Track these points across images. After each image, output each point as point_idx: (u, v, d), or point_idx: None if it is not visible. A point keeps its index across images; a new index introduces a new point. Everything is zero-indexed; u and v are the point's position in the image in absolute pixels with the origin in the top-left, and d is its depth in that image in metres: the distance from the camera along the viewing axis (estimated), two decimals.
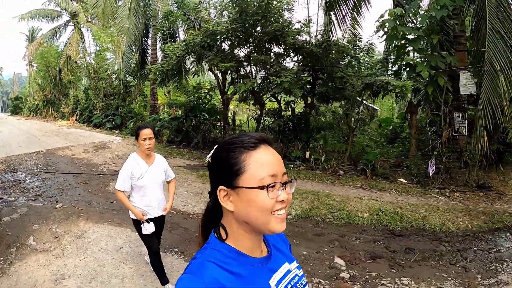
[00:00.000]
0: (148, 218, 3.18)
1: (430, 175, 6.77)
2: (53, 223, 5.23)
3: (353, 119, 8.04)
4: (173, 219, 5.46)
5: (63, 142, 12.22)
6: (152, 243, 3.24)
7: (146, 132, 3.14)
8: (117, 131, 14.85)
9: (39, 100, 23.56)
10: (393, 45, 6.94)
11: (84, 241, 4.58)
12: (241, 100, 10.62)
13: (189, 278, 0.80)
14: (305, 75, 8.60)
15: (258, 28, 7.28)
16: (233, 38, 7.54)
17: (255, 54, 7.56)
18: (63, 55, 18.15)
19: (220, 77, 10.43)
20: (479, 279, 3.75)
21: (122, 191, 3.17)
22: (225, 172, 0.86)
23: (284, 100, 9.33)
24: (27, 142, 12.45)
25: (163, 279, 3.31)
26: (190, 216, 5.72)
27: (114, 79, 16.66)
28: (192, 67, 11.89)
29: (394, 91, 6.32)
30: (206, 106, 11.53)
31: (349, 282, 3.57)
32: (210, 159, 0.91)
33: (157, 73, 9.33)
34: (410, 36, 6.33)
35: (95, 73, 17.46)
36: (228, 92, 9.77)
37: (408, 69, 6.63)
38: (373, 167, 7.56)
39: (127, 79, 15.61)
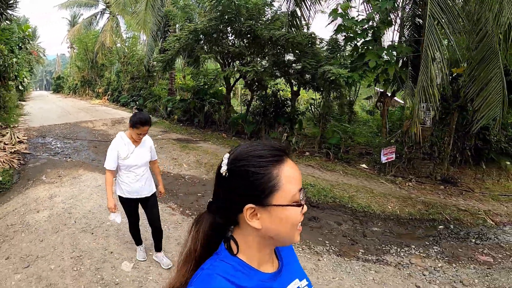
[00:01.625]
0: (136, 198, 3.48)
1: (382, 162, 7.48)
2: (61, 169, 7.47)
3: (321, 105, 9.50)
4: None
5: (89, 117, 14.87)
6: (132, 219, 3.67)
7: (145, 129, 3.30)
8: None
9: (78, 80, 27.07)
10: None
11: (77, 180, 6.74)
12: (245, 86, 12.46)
13: None
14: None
15: (236, 25, 8.95)
16: (212, 34, 9.32)
17: (232, 47, 9.33)
18: (98, 40, 21.01)
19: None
20: (361, 252, 4.37)
21: (110, 171, 3.39)
22: (256, 189, 0.82)
23: (271, 87, 11.00)
24: (60, 116, 15.27)
25: (138, 241, 3.86)
26: (167, 173, 7.60)
27: (139, 64, 19.14)
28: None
29: (341, 80, 7.44)
30: (210, 91, 13.44)
31: None
32: (227, 173, 0.85)
33: (160, 62, 11.39)
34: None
35: (125, 58, 20.14)
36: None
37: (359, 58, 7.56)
38: (337, 151, 8.98)
39: (150, 65, 17.97)
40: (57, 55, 42.26)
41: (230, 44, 9.85)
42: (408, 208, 5.97)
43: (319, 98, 10.60)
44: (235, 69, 9.01)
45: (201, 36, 9.35)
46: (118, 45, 20.98)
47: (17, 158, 8.09)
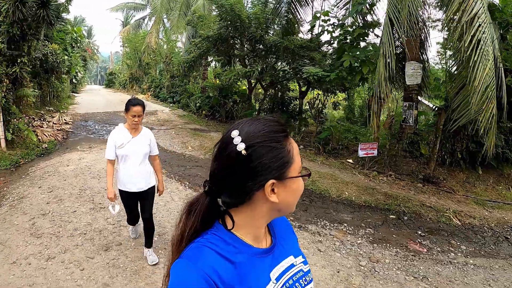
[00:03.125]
0: (130, 192, 3.58)
1: (359, 156, 8.19)
2: (92, 143, 9.82)
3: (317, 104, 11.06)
4: (164, 155, 9.55)
5: None
6: (130, 214, 3.89)
7: (136, 110, 3.40)
8: (172, 105, 19.90)
9: (127, 77, 30.60)
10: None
11: (102, 150, 8.95)
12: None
13: (184, 264, 0.84)
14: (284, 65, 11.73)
15: (240, 32, 10.81)
16: (222, 40, 11.26)
17: (236, 51, 11.23)
18: (145, 41, 24.01)
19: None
20: (290, 220, 6.06)
21: (110, 160, 3.56)
22: (278, 164, 0.86)
23: (281, 87, 12.73)
24: (104, 106, 18.20)
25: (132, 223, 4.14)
26: (172, 152, 9.63)
27: (178, 64, 21.72)
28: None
29: (311, 78, 8.67)
30: (234, 89, 15.42)
31: None
32: (246, 150, 0.85)
33: (185, 64, 13.60)
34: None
35: (167, 58, 22.91)
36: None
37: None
38: (328, 146, 10.44)
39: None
40: (111, 53, 47.32)
41: (237, 48, 11.79)
42: (365, 196, 6.70)
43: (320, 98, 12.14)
44: (238, 71, 10.86)
45: (216, 41, 11.35)
46: (164, 46, 23.83)
47: (61, 134, 10.62)
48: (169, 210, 5.43)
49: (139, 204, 3.80)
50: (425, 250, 4.96)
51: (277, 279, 0.94)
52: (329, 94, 11.35)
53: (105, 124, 13.27)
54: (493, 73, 5.46)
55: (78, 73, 24.39)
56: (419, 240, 5.23)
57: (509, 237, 5.86)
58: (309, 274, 1.04)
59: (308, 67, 8.76)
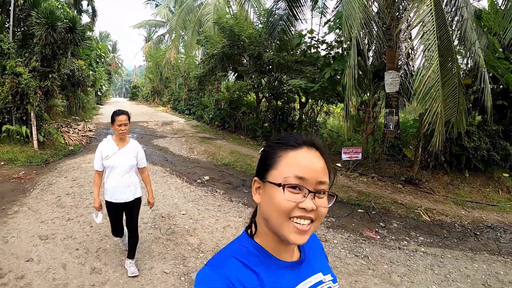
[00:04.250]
0: (116, 203, 3.72)
1: (343, 159, 9.04)
2: None
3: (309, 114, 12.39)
4: (171, 157, 11.08)
5: (147, 118, 19.49)
6: (113, 226, 3.99)
7: (121, 119, 3.57)
8: (188, 116, 21.67)
9: (149, 90, 32.89)
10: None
11: None
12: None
13: (209, 271, 0.88)
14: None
15: (240, 50, 12.37)
16: (226, 57, 12.84)
17: (240, 66, 12.79)
18: (165, 57, 26.14)
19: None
20: None
21: (97, 171, 3.72)
22: (261, 164, 0.96)
23: (286, 98, 14.12)
24: None
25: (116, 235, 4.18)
26: (179, 156, 11.15)
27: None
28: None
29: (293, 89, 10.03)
30: (243, 101, 16.92)
31: (205, 179, 8.55)
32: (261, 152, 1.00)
33: (195, 79, 15.29)
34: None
35: (185, 73, 24.85)
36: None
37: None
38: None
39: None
40: (134, 67, 50.49)
41: (240, 64, 13.36)
42: (339, 194, 7.35)
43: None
44: (239, 85, 12.39)
45: (222, 58, 12.97)
46: (183, 61, 25.86)
47: (85, 139, 12.39)
48: (165, 196, 6.89)
49: (124, 216, 3.93)
50: (379, 237, 5.51)
51: None
52: (323, 104, 12.66)
53: None
54: (437, 76, 6.35)
55: (103, 86, 26.70)
56: (377, 230, 5.81)
57: (478, 233, 6.51)
58: None
59: (293, 80, 10.11)
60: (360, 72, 7.77)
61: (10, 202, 6.15)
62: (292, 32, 10.70)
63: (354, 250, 5.01)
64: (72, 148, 10.71)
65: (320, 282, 1.01)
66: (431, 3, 6.35)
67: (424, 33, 6.25)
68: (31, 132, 9.74)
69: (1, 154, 9.13)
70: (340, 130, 12.86)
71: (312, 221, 0.88)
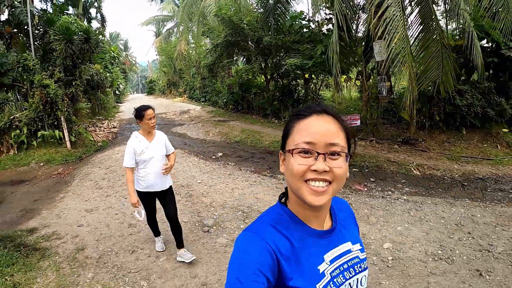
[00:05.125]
0: (151, 192, 3.98)
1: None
2: None
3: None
4: (189, 141, 12.40)
5: (165, 110, 20.97)
6: (149, 214, 4.26)
7: (150, 113, 3.84)
8: (203, 103, 23.02)
9: (165, 83, 34.41)
10: None
11: None
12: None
13: (250, 235, 0.98)
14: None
15: (243, 37, 13.44)
16: (231, 44, 13.96)
17: (244, 51, 13.89)
18: (176, 49, 27.36)
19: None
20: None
21: (129, 168, 3.92)
22: (282, 136, 1.05)
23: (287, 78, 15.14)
24: None
25: (156, 233, 4.50)
26: (196, 139, 12.45)
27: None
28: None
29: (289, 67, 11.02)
30: (253, 83, 17.99)
31: (219, 155, 9.82)
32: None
33: (204, 67, 16.47)
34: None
35: (197, 63, 26.07)
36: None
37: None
38: None
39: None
40: (148, 62, 52.16)
41: (243, 49, 14.46)
42: None
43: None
44: (244, 68, 13.50)
45: (227, 46, 14.12)
46: (194, 52, 27.07)
47: (111, 135, 13.87)
48: (184, 171, 8.22)
49: (162, 207, 4.19)
50: (366, 189, 6.07)
51: (331, 261, 1.02)
52: (324, 78, 13.64)
53: None
54: (404, 43, 7.17)
55: (120, 85, 28.33)
56: (366, 183, 6.41)
57: (466, 184, 7.17)
58: (364, 262, 1.11)
59: (290, 59, 11.13)
60: (345, 46, 8.67)
61: (56, 191, 7.60)
62: (286, 15, 11.62)
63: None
64: (100, 144, 12.20)
65: (349, 251, 1.08)
66: None
67: (388, 6, 7.09)
68: (63, 134, 11.24)
69: (40, 156, 10.67)
70: (343, 100, 13.77)
71: (330, 182, 0.94)
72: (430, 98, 10.46)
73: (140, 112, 3.86)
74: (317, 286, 0.97)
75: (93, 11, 21.23)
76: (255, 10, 13.27)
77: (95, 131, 13.68)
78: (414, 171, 7.66)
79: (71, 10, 18.91)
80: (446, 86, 8.68)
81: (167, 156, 4.17)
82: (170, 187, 4.14)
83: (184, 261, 4.06)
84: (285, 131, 1.03)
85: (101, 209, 6.11)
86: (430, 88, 9.50)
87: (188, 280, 3.74)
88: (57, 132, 11.15)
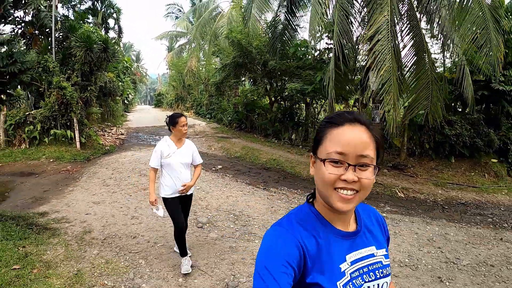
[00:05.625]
0: (174, 197, 4.07)
1: None
2: (142, 147, 13.65)
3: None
4: None
5: None
6: (177, 218, 4.08)
7: (183, 120, 4.05)
8: (209, 120, 23.81)
9: (173, 97, 35.40)
10: None
11: (149, 150, 12.65)
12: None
13: (281, 229, 1.04)
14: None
15: (250, 59, 14.36)
16: (238, 66, 14.88)
17: (249, 73, 14.80)
18: (187, 65, 28.44)
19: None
20: (247, 182, 9.79)
21: (153, 168, 4.08)
22: (314, 141, 1.09)
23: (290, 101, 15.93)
24: (152, 122, 22.53)
25: (183, 252, 4.21)
26: (199, 151, 13.11)
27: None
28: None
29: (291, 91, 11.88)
30: (258, 104, 18.81)
31: (219, 167, 10.46)
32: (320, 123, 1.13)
33: (212, 85, 17.36)
34: None
35: (205, 80, 27.05)
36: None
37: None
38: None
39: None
40: (158, 75, 53.57)
41: (250, 71, 15.35)
42: None
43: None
44: (249, 90, 14.33)
45: (235, 67, 15.03)
46: (202, 69, 28.11)
47: (118, 141, 14.60)
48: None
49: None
50: None
51: (352, 262, 1.05)
52: (324, 103, 14.41)
53: (152, 135, 17.26)
54: (390, 74, 7.74)
55: (129, 95, 29.29)
56: None
57: (447, 207, 7.85)
58: (387, 268, 1.13)
59: (292, 84, 11.95)
60: (342, 74, 9.43)
61: (65, 185, 8.23)
62: (292, 41, 12.46)
63: None
64: (108, 148, 12.90)
65: (371, 255, 1.10)
66: (388, 14, 8.01)
67: (378, 40, 7.86)
68: (74, 135, 11.95)
69: (50, 153, 11.34)
70: None
71: (357, 191, 0.99)
72: (420, 126, 11.27)
73: (174, 119, 4.05)
74: (338, 284, 1.01)
75: (111, 21, 22.32)
76: (264, 35, 14.12)
77: (104, 135, 14.41)
78: (398, 193, 8.26)
79: (90, 19, 19.95)
80: (435, 116, 9.29)
81: (194, 166, 4.32)
82: (191, 194, 4.33)
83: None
84: (317, 137, 1.07)
85: (107, 202, 6.74)
86: (421, 117, 10.21)
87: (180, 262, 4.34)
88: (69, 132, 11.86)
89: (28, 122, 11.77)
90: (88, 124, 12.83)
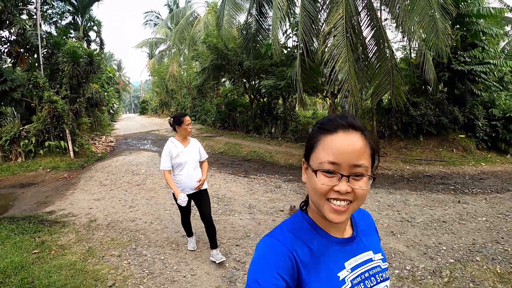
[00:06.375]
0: (188, 194, 4.25)
1: None
2: (132, 151, 14.56)
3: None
4: None
5: (157, 127, 22.74)
6: (183, 211, 4.58)
7: (188, 119, 4.33)
8: (194, 121, 24.76)
9: (157, 103, 36.23)
10: None
11: (138, 154, 13.59)
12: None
13: (273, 241, 1.01)
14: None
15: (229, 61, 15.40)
16: (217, 68, 15.90)
17: (227, 74, 15.84)
18: (168, 71, 29.26)
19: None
20: (231, 172, 10.96)
21: (167, 170, 4.25)
22: (306, 146, 1.05)
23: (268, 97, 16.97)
24: (138, 128, 23.48)
25: (189, 234, 4.88)
26: None
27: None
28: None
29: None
30: (238, 103, 19.81)
31: None
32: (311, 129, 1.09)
33: (195, 88, 18.33)
34: None
35: (188, 83, 27.96)
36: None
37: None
38: (297, 136, 14.45)
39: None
40: (141, 82, 54.19)
41: (228, 72, 16.39)
42: (291, 160, 11.30)
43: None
44: (228, 89, 15.33)
45: (213, 69, 16.03)
46: (185, 74, 28.99)
47: (109, 148, 15.47)
48: None
49: (197, 208, 4.54)
50: None
51: (352, 269, 1.04)
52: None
53: (140, 140, 18.16)
54: (346, 65, 8.71)
55: (114, 104, 30.04)
56: None
57: (412, 179, 8.77)
58: (386, 272, 1.12)
59: (265, 80, 12.97)
60: (309, 68, 10.51)
61: (65, 190, 9.13)
62: (263, 42, 13.47)
63: (297, 190, 8.05)
64: (100, 155, 13.77)
65: (370, 260, 1.09)
66: (343, 11, 9.07)
67: (334, 35, 8.92)
68: (67, 145, 12.80)
69: (46, 163, 12.18)
70: (315, 116, 15.62)
71: (350, 201, 0.95)
72: (388, 110, 12.32)
73: (179, 119, 4.31)
74: None
75: (92, 34, 23.15)
76: (239, 38, 15.14)
77: (95, 144, 15.28)
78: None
79: (73, 33, 20.71)
80: (398, 99, 10.24)
81: (201, 162, 4.53)
82: (206, 189, 4.49)
83: (215, 261, 4.38)
84: (309, 143, 1.03)
85: (107, 198, 7.70)
86: (386, 101, 11.18)
87: (172, 233, 5.34)
88: (62, 142, 12.71)
89: (23, 136, 12.57)
90: (80, 134, 13.68)
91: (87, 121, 14.83)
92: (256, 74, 15.02)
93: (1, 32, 13.14)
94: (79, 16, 21.21)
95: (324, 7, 11.23)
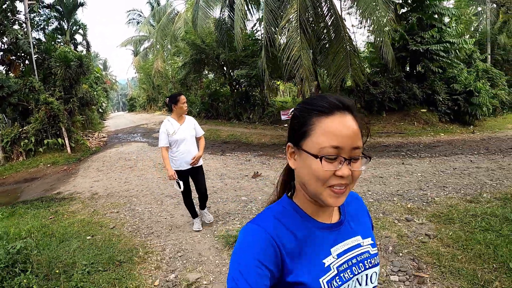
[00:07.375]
0: (183, 169, 4.54)
1: (282, 119, 14.16)
2: (123, 144, 16.06)
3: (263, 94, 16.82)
4: None
5: (146, 121, 24.20)
6: (186, 192, 4.77)
7: (183, 98, 4.55)
8: None
9: (145, 99, 37.59)
10: None
11: (129, 145, 15.10)
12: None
13: (255, 227, 0.97)
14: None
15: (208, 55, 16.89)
16: (197, 62, 17.39)
17: (209, 66, 17.40)
18: (154, 67, 30.58)
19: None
20: (221, 153, 12.65)
21: (164, 147, 4.47)
22: (294, 130, 0.98)
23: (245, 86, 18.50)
24: (128, 123, 24.92)
25: (193, 215, 5.09)
26: None
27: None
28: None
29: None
30: (221, 93, 21.30)
31: None
32: (291, 114, 1.03)
33: (178, 82, 19.81)
34: None
35: (173, 78, 29.35)
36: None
37: None
38: (273, 120, 16.02)
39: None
40: (128, 80, 55.43)
41: (207, 65, 17.91)
42: (273, 140, 12.98)
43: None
44: (208, 81, 16.87)
45: (194, 63, 17.55)
46: (169, 69, 30.34)
47: (102, 143, 16.95)
48: (157, 157, 11.40)
49: (194, 183, 4.79)
50: (283, 155, 10.03)
51: (339, 255, 1.00)
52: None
53: (131, 134, 19.67)
54: (299, 52, 10.34)
55: (103, 103, 31.38)
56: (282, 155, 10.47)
57: (367, 149, 9.68)
58: (375, 257, 1.08)
59: (239, 70, 14.51)
60: (274, 57, 12.07)
61: (67, 178, 10.61)
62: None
63: (265, 161, 9.64)
64: (94, 149, 15.26)
65: (358, 246, 1.06)
66: (297, 6, 10.59)
67: (289, 29, 10.47)
68: (64, 141, 14.27)
69: (46, 160, 13.63)
70: (288, 101, 17.24)
71: (347, 184, 0.92)
72: (350, 90, 13.77)
73: (175, 98, 4.51)
74: (321, 280, 0.95)
75: (78, 37, 24.45)
76: (214, 33, 16.61)
77: (88, 139, 16.75)
78: None
79: (60, 38, 21.96)
80: (357, 80, 11.73)
81: (197, 138, 4.77)
82: (201, 166, 4.77)
83: (205, 220, 5.18)
84: (302, 126, 0.95)
85: (105, 179, 9.27)
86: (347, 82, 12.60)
87: (158, 195, 6.92)
88: (59, 139, 14.17)
89: (23, 137, 14.00)
90: (75, 130, 15.15)
91: (80, 119, 16.27)
92: (232, 65, 16.52)
93: None
94: (65, 21, 22.44)
95: (285, 3, 12.74)
